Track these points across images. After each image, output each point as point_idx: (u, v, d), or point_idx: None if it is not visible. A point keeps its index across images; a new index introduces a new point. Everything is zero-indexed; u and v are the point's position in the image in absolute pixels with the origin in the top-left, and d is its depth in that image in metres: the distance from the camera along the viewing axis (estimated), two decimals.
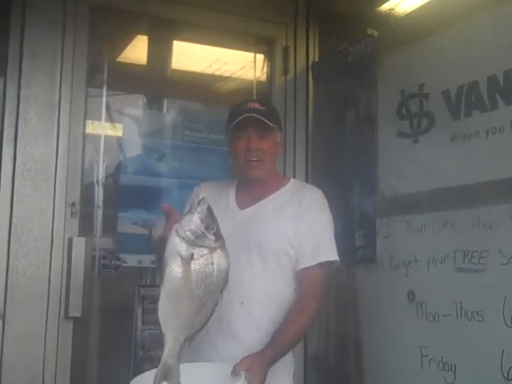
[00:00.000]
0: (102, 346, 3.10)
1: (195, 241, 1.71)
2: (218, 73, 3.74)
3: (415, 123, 2.77)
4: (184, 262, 1.70)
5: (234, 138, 2.28)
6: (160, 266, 1.75)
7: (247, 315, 2.16)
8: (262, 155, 2.23)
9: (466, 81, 2.52)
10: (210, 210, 1.77)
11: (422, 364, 2.60)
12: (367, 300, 2.98)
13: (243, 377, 1.76)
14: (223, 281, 1.76)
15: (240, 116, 2.20)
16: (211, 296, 1.74)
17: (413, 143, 2.78)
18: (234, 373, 1.80)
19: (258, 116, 2.19)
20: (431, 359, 2.57)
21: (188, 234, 1.71)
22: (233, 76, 3.76)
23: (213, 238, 1.74)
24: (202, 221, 1.73)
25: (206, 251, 1.72)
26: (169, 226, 1.82)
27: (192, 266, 1.70)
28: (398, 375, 2.73)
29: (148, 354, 3.14)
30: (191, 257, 1.70)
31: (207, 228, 1.73)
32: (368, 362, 2.95)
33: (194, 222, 1.73)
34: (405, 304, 2.70)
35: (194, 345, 1.88)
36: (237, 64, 3.75)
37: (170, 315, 1.70)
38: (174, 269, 1.70)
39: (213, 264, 1.72)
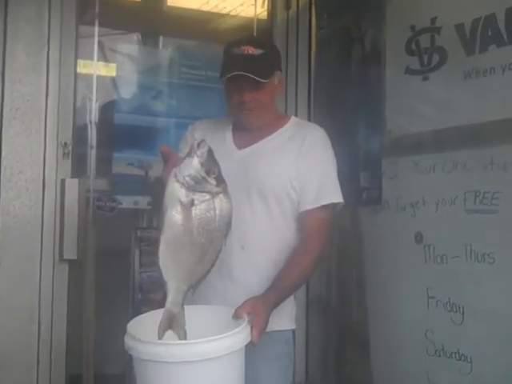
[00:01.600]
0: (99, 289, 3.07)
1: (195, 186, 1.64)
2: (215, 9, 3.63)
3: (425, 59, 2.67)
4: (184, 208, 1.63)
5: (227, 87, 2.17)
6: (156, 208, 1.70)
7: (248, 260, 2.11)
8: (257, 105, 2.13)
9: (483, 13, 2.41)
10: (210, 152, 1.68)
11: (429, 305, 2.58)
12: (372, 242, 2.94)
13: (246, 320, 1.71)
14: (226, 226, 1.69)
15: (231, 69, 2.06)
16: (214, 242, 1.68)
17: (422, 80, 2.69)
18: (237, 316, 1.76)
19: (248, 75, 2.04)
20: (438, 300, 2.55)
21: (187, 179, 1.63)
22: (232, 13, 3.65)
23: (214, 183, 1.66)
24: (202, 165, 1.65)
25: (207, 196, 1.65)
26: (167, 169, 1.72)
27: (193, 212, 1.63)
28: (404, 317, 2.71)
29: (146, 297, 3.12)
30: (192, 203, 1.63)
31: (208, 172, 1.65)
32: (372, 304, 2.94)
33: (193, 166, 1.64)
34: (412, 246, 2.66)
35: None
36: (236, 0, 3.64)
37: (172, 264, 1.65)
38: (174, 215, 1.63)
39: (215, 209, 1.65)
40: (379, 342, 2.88)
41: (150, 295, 3.07)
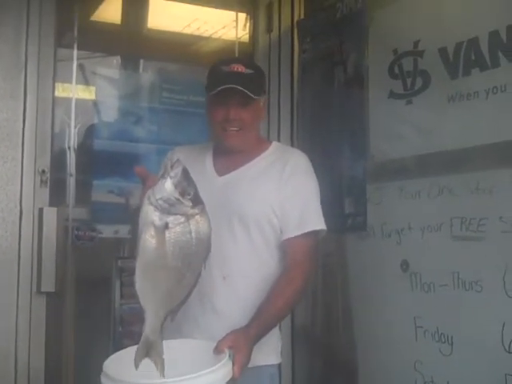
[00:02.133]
0: (78, 322, 2.99)
1: (169, 208, 1.58)
2: (197, 32, 3.58)
3: (409, 83, 2.66)
4: (158, 231, 1.58)
5: (212, 103, 2.12)
6: (135, 236, 1.64)
7: (230, 290, 2.05)
8: (242, 125, 2.09)
9: (466, 37, 2.41)
10: (185, 172, 1.62)
11: (417, 335, 2.54)
12: (357, 269, 2.91)
13: (227, 354, 1.66)
14: (205, 249, 1.64)
15: (221, 83, 2.03)
16: (191, 266, 1.63)
17: (406, 104, 2.67)
18: (218, 350, 1.70)
19: (241, 88, 2.01)
20: (426, 330, 2.51)
21: (161, 202, 1.58)
22: (213, 36, 3.61)
23: (189, 204, 1.60)
24: (175, 186, 1.59)
25: (182, 219, 1.59)
26: (144, 192, 1.67)
27: (167, 235, 1.58)
28: (392, 347, 2.67)
29: (128, 330, 3.01)
30: (165, 226, 1.58)
31: (182, 193, 1.59)
32: (359, 333, 2.89)
33: (166, 188, 1.59)
34: (398, 274, 2.63)
35: (175, 323, 1.79)
36: (217, 23, 3.60)
37: (148, 289, 1.60)
38: (148, 239, 1.58)
39: (191, 232, 1.60)
40: (368, 373, 2.82)
41: (132, 328, 2.96)
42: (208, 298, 2.02)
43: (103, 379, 1.57)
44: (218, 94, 2.04)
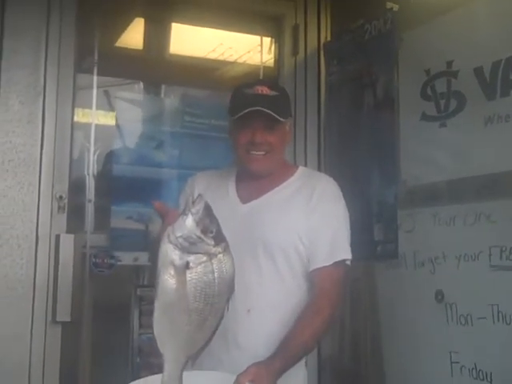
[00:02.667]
0: (95, 353, 2.93)
1: (190, 247, 1.51)
2: (221, 57, 3.56)
3: (442, 105, 2.57)
4: (178, 272, 1.51)
5: (236, 127, 2.06)
6: (155, 268, 1.56)
7: (255, 324, 1.97)
8: (268, 148, 2.03)
9: (503, 56, 2.32)
10: (207, 209, 1.56)
11: (452, 372, 2.43)
12: (388, 300, 2.80)
13: None
14: (228, 290, 1.57)
15: (246, 106, 1.96)
16: (214, 308, 1.55)
17: (439, 127, 2.58)
18: None
19: (266, 110, 1.95)
20: (462, 366, 2.39)
21: (181, 240, 1.51)
22: (238, 61, 3.58)
23: (212, 243, 1.53)
24: (197, 223, 1.52)
25: (204, 258, 1.52)
26: (163, 228, 1.60)
27: (188, 276, 1.51)
28: (424, 383, 2.56)
29: (146, 361, 2.96)
30: (186, 266, 1.51)
31: (204, 231, 1.53)
32: (389, 368, 2.78)
33: (187, 225, 1.52)
34: (432, 305, 2.53)
35: (196, 364, 1.72)
36: (242, 48, 3.57)
37: (167, 333, 1.53)
38: (168, 280, 1.51)
39: (213, 272, 1.53)
40: None
41: (150, 359, 2.90)
42: (232, 333, 1.94)
43: None
44: (242, 117, 1.98)
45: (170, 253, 1.50)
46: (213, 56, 3.54)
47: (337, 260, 1.98)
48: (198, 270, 1.51)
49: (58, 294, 2.66)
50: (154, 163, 3.17)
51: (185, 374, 1.56)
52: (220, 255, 1.54)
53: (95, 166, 3.00)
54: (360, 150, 2.99)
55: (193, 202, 1.54)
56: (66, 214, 2.76)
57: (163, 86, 3.37)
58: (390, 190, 2.80)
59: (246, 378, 1.63)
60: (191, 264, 1.50)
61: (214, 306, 1.54)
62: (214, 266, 1.53)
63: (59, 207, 2.74)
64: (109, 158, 3.09)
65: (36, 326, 2.64)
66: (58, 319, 2.66)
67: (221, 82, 3.48)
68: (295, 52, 3.31)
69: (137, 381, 1.70)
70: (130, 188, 3.07)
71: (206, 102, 3.33)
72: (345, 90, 3.13)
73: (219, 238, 1.55)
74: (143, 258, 2.94)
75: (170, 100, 3.38)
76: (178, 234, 1.50)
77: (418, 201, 2.65)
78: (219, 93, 3.22)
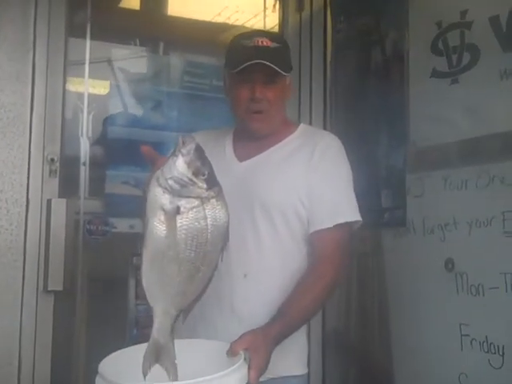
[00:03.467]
0: (89, 324, 2.87)
1: (181, 190, 1.44)
2: (221, 20, 3.49)
3: (454, 59, 2.46)
4: (168, 216, 1.43)
5: (234, 82, 1.96)
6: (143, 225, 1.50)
7: (252, 290, 1.90)
8: (268, 106, 1.94)
9: None
10: (199, 150, 1.48)
11: (462, 345, 2.34)
12: (395, 269, 2.72)
13: (242, 357, 1.52)
14: (222, 238, 1.50)
15: (246, 59, 1.87)
16: (206, 258, 1.48)
17: (451, 83, 2.47)
18: (231, 352, 1.56)
19: (269, 63, 1.86)
20: (473, 339, 2.31)
21: (171, 182, 1.44)
22: (243, 24, 3.49)
23: (204, 186, 1.46)
24: (188, 165, 1.45)
25: (196, 202, 1.45)
26: (153, 173, 1.53)
27: (179, 221, 1.44)
28: (434, 357, 2.46)
29: (143, 332, 2.87)
30: (177, 210, 1.43)
31: (196, 173, 1.45)
32: (396, 340, 2.70)
33: (178, 166, 1.44)
34: (441, 274, 2.44)
35: (190, 325, 1.72)
36: (247, 9, 3.49)
37: (157, 284, 1.47)
38: (156, 226, 1.43)
39: (205, 218, 1.46)
40: None
41: (148, 330, 2.76)
42: (227, 299, 1.89)
43: (99, 383, 1.44)
44: (241, 72, 1.88)
45: (159, 197, 1.43)
46: (214, 19, 3.47)
47: (339, 222, 1.89)
48: (190, 216, 1.44)
49: (49, 262, 2.59)
50: (151, 125, 3.10)
51: (178, 342, 1.51)
52: (213, 200, 1.47)
53: (90, 128, 2.92)
54: (367, 110, 2.92)
55: (183, 143, 1.46)
56: (58, 178, 2.68)
57: (162, 44, 3.26)
58: (398, 153, 2.72)
59: (240, 346, 1.57)
60: (182, 209, 1.43)
61: (207, 256, 1.48)
62: (207, 211, 1.46)
63: (51, 170, 2.66)
64: (104, 119, 3.01)
65: (27, 295, 2.57)
66: (49, 288, 2.59)
67: (222, 45, 3.34)
68: (300, 8, 3.21)
69: (119, 351, 1.64)
70: (126, 151, 2.97)
71: (207, 61, 3.24)
72: (352, 47, 3.07)
73: (212, 182, 1.48)
74: (140, 225, 2.84)
75: (169, 58, 3.29)
76: (168, 176, 1.43)
77: (428, 163, 2.56)
78: (220, 51, 3.10)
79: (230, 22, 3.48)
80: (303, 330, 1.93)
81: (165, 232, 1.43)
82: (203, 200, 1.46)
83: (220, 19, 3.46)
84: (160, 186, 1.44)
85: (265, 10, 3.37)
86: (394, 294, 2.73)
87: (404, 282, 2.65)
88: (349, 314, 3.04)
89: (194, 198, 1.45)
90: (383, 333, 2.78)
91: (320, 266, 1.85)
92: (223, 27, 3.42)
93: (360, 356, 2.99)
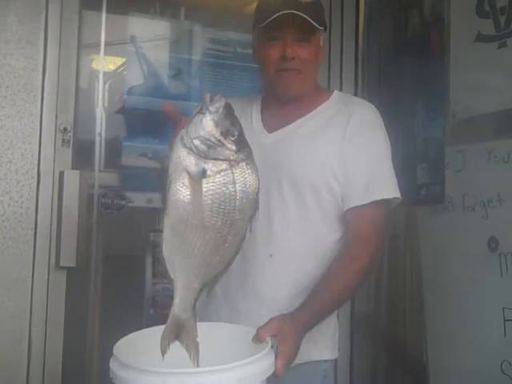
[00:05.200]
0: (104, 303, 2.82)
1: (208, 152, 1.36)
2: None
3: (502, 21, 2.32)
4: (193, 180, 1.35)
5: (263, 39, 1.83)
6: (163, 190, 1.43)
7: (278, 271, 1.82)
8: (300, 65, 1.82)
9: None
10: (228, 108, 1.38)
11: (506, 331, 2.22)
12: (432, 249, 2.62)
13: (269, 344, 1.45)
14: (251, 206, 1.42)
15: (275, 11, 1.74)
16: (234, 227, 1.40)
17: (498, 48, 2.34)
18: (258, 339, 1.49)
19: (301, 14, 1.74)
20: None
21: (197, 142, 1.35)
22: None
23: (233, 148, 1.38)
24: (216, 124, 1.36)
25: (223, 165, 1.37)
26: (176, 134, 1.45)
27: (204, 186, 1.36)
28: (472, 343, 2.37)
29: (160, 312, 2.85)
30: (203, 174, 1.36)
31: (224, 134, 1.37)
32: (431, 325, 2.62)
33: (205, 125, 1.35)
34: (483, 254, 2.33)
35: (212, 308, 1.76)
36: None
37: (179, 255, 1.40)
38: (180, 190, 1.35)
39: (234, 183, 1.38)
40: (441, 373, 2.56)
41: (165, 310, 2.71)
42: (251, 280, 1.82)
43: (113, 366, 1.36)
44: (271, 27, 1.77)
45: (183, 158, 1.35)
46: None
47: (376, 199, 1.78)
48: (217, 180, 1.36)
49: (61, 237, 2.52)
50: (171, 95, 2.99)
51: (198, 324, 1.44)
52: (243, 163, 1.38)
53: (106, 97, 2.85)
54: (403, 80, 2.82)
55: (211, 100, 1.36)
56: (71, 149, 2.61)
57: (183, 9, 3.15)
58: (436, 124, 2.62)
59: (267, 332, 1.50)
60: (209, 172, 1.35)
61: (235, 225, 1.39)
62: (236, 175, 1.38)
63: (63, 140, 2.58)
64: (120, 87, 2.94)
65: (38, 270, 2.51)
66: (61, 264, 2.53)
67: (248, 8, 3.11)
68: None
69: (136, 333, 1.58)
70: (145, 122, 2.91)
71: (231, 27, 3.11)
72: (387, 10, 2.96)
73: (242, 144, 1.40)
74: (158, 199, 2.74)
75: (190, 24, 3.15)
76: (194, 136, 1.35)
77: (470, 135, 2.46)
78: (245, 18, 2.89)
79: None
80: (334, 315, 1.86)
81: (189, 197, 1.35)
82: (232, 163, 1.37)
83: None
84: (184, 146, 1.35)
85: None
86: (428, 276, 2.66)
87: (440, 264, 2.56)
88: (379, 297, 2.99)
89: (221, 160, 1.36)
90: (416, 318, 2.72)
91: (354, 247, 1.77)
92: None
93: (391, 342, 2.93)
